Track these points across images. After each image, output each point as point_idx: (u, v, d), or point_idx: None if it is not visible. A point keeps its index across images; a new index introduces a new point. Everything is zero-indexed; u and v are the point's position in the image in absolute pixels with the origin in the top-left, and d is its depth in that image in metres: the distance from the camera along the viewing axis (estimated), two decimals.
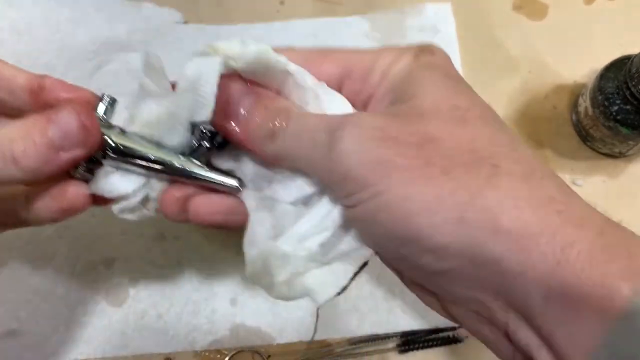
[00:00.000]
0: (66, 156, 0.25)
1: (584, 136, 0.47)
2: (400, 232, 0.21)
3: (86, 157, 0.26)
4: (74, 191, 0.27)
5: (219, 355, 0.41)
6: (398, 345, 0.42)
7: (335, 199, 0.24)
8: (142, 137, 0.27)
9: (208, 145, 0.26)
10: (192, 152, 0.27)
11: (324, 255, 0.25)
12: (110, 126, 0.27)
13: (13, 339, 0.41)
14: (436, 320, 0.42)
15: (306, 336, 0.42)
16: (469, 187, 0.20)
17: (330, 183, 0.23)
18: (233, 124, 0.25)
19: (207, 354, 0.41)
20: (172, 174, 0.27)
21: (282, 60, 0.25)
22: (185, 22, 0.51)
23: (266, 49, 0.25)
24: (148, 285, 0.43)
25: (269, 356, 0.42)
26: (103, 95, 0.27)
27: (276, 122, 0.24)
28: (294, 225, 0.25)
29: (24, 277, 0.42)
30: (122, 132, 0.27)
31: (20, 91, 0.27)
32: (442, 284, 0.22)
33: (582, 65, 0.50)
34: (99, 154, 0.26)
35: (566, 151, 0.48)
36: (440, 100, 0.23)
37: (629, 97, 0.41)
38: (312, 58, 0.26)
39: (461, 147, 0.21)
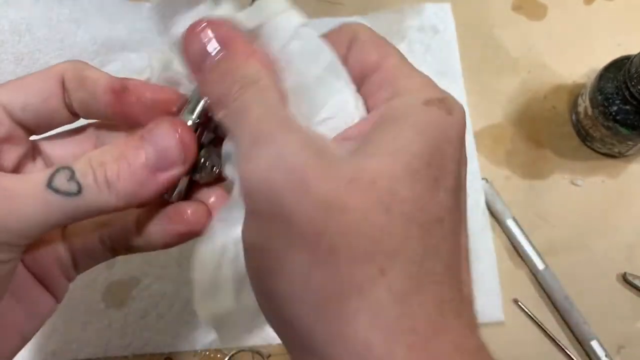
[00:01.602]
0: (164, 177, 0.23)
1: (584, 136, 0.47)
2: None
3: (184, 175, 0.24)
4: (195, 211, 0.25)
5: (219, 355, 0.42)
6: None
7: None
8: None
9: None
10: None
11: None
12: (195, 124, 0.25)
13: None
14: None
15: None
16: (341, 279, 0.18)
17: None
18: (196, 72, 0.23)
19: (207, 353, 0.42)
20: None
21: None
22: None
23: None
24: (148, 285, 0.43)
25: (269, 356, 0.42)
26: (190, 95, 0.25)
27: (233, 90, 0.21)
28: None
29: None
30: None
31: (102, 93, 0.25)
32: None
33: (582, 65, 0.50)
34: None
35: (566, 151, 0.48)
36: (383, 175, 0.18)
37: (628, 97, 0.41)
38: (363, 42, 0.23)
39: (366, 234, 0.18)
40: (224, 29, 0.22)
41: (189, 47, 0.22)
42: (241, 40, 0.22)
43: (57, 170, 0.22)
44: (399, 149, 0.19)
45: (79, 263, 0.27)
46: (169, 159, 0.23)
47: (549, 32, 0.51)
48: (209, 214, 0.26)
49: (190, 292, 0.42)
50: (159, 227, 0.26)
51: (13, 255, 0.22)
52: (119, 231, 0.26)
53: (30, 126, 0.26)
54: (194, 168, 0.25)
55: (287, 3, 0.24)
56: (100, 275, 0.43)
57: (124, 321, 0.42)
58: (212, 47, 0.22)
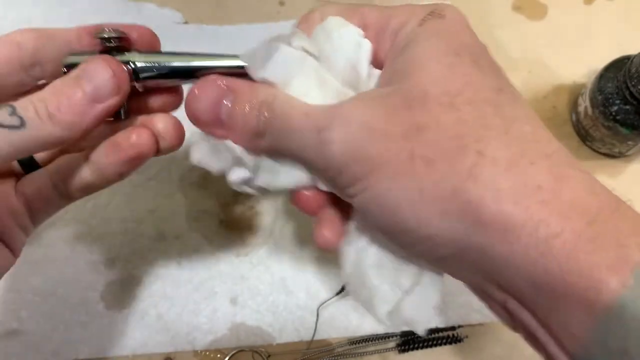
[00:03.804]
0: (102, 106, 0.25)
1: (584, 136, 0.47)
2: (391, 224, 0.22)
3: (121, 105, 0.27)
4: (138, 135, 0.27)
5: (219, 355, 0.42)
6: (398, 345, 0.42)
7: (334, 190, 0.25)
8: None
9: None
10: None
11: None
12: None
13: (13, 339, 0.41)
14: (436, 320, 0.42)
15: (306, 336, 0.42)
16: (451, 180, 0.20)
17: (326, 178, 0.24)
18: (221, 131, 0.25)
19: (207, 353, 0.42)
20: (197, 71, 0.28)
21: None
22: (185, 22, 0.51)
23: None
24: (148, 285, 0.43)
25: (269, 356, 0.42)
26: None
27: (261, 116, 0.24)
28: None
29: (24, 277, 0.42)
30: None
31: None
32: (442, 266, 0.24)
33: (582, 65, 0.50)
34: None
35: None
36: (431, 84, 0.22)
37: (628, 97, 0.41)
38: (345, 13, 0.26)
39: (447, 134, 0.21)
40: (223, 81, 0.25)
41: (199, 106, 0.25)
42: (240, 82, 0.25)
43: None
44: (428, 61, 0.22)
45: (35, 214, 0.28)
46: (105, 90, 0.25)
47: (549, 32, 0.51)
48: (152, 136, 0.28)
49: (189, 292, 0.42)
50: (109, 157, 0.27)
51: None
52: (71, 171, 0.28)
53: None
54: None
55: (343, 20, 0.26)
56: (100, 275, 0.43)
57: (124, 321, 0.42)
58: (223, 97, 0.25)
